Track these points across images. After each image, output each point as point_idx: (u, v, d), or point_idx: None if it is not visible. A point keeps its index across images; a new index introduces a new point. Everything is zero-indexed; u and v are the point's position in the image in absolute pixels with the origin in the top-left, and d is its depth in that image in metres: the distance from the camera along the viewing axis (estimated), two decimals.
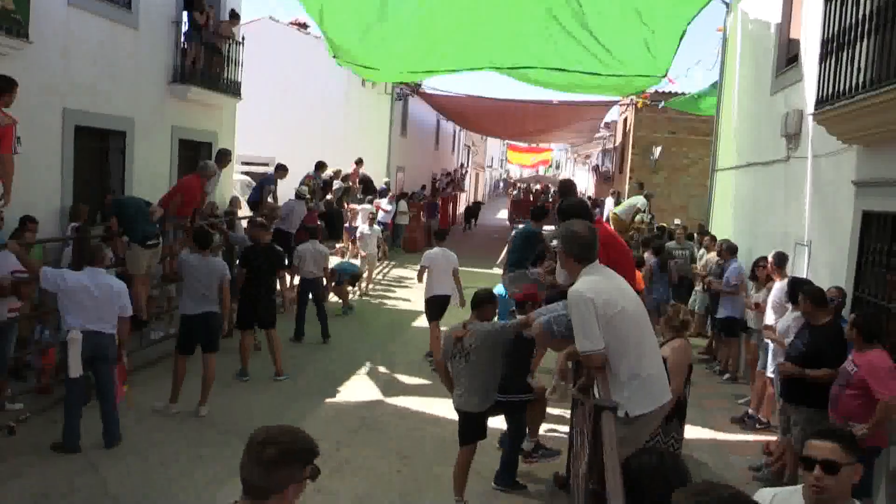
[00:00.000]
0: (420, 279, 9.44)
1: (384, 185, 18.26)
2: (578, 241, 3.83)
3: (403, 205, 19.20)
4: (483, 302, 5.38)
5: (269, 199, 12.06)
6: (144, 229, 7.78)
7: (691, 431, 6.53)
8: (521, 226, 8.25)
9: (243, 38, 12.34)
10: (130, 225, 7.77)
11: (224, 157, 10.94)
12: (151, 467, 5.63)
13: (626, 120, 23.56)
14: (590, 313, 3.62)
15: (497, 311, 5.69)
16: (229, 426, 6.52)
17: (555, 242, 4.20)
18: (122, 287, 6.07)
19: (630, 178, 21.14)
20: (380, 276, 15.68)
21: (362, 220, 14.61)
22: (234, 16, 12.20)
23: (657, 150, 20.33)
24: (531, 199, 32.55)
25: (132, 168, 9.92)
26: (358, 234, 14.21)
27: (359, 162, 16.73)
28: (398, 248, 19.31)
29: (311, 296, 9.98)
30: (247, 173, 17.01)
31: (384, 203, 17.20)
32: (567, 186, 7.75)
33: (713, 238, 11.15)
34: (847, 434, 2.16)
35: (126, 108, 9.78)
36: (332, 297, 12.12)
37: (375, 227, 14.39)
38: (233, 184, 13.86)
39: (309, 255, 9.85)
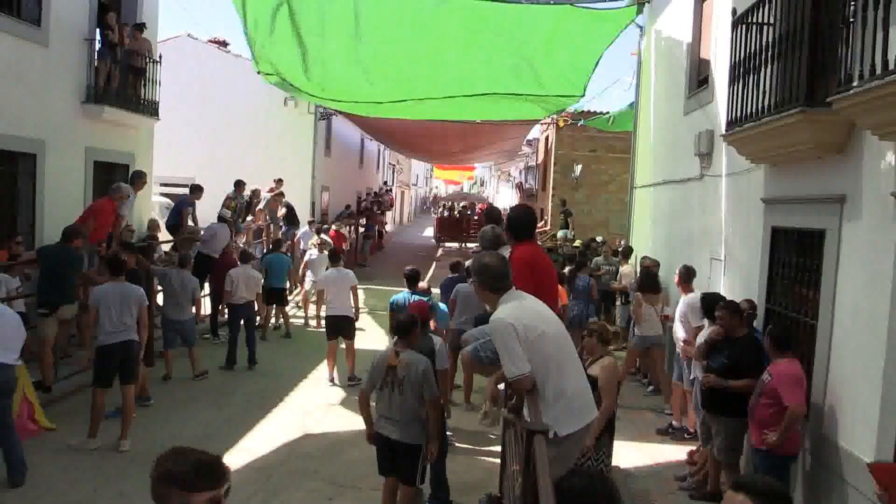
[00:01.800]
0: (319, 302, 9.44)
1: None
2: (490, 272, 3.93)
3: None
4: (407, 328, 5.27)
5: (189, 222, 11.78)
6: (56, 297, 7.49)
7: (620, 444, 6.66)
8: (461, 284, 8.29)
9: (160, 56, 12.04)
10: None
11: (138, 179, 10.65)
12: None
13: (547, 138, 24.10)
14: (512, 339, 3.68)
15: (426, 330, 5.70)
16: (151, 460, 6.28)
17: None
18: (17, 318, 5.81)
19: (553, 194, 21.60)
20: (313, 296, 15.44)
21: (309, 245, 14.28)
22: (139, 27, 11.49)
23: (578, 168, 20.87)
24: (457, 216, 32.75)
25: (44, 192, 9.51)
26: (307, 259, 13.69)
27: (278, 182, 16.25)
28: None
29: (242, 321, 9.76)
30: (165, 195, 16.51)
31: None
32: (493, 216, 7.81)
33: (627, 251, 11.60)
34: (763, 485, 2.22)
35: (36, 130, 9.38)
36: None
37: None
38: (151, 206, 13.45)
39: (241, 279, 9.64)
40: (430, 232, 36.23)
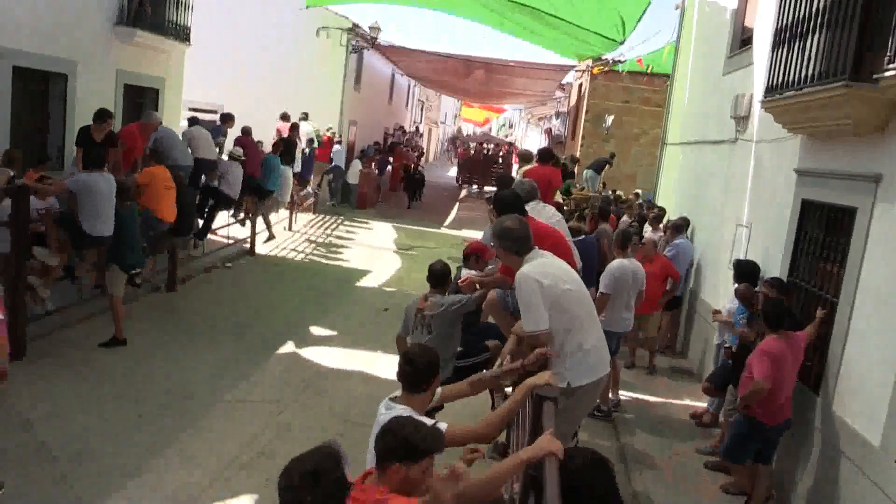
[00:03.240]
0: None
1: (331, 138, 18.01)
2: (513, 235, 4.03)
3: (358, 164, 19.04)
4: (440, 276, 5.52)
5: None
6: (133, 257, 7.45)
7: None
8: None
9: None
10: (118, 248, 7.38)
11: (229, 119, 11.26)
12: (91, 425, 5.56)
13: (580, 86, 23.62)
14: (536, 294, 3.79)
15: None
16: (169, 387, 6.47)
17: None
18: None
19: (581, 144, 21.30)
20: (328, 233, 15.58)
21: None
22: None
23: (609, 119, 20.50)
24: (480, 158, 32.45)
25: (74, 113, 9.55)
26: None
27: (285, 117, 15.80)
28: (350, 205, 19.16)
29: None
30: (193, 119, 16.51)
31: (337, 147, 17.98)
32: (504, 181, 7.76)
33: (662, 210, 11.39)
34: None
35: (68, 50, 9.37)
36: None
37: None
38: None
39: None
40: (453, 171, 36.06)
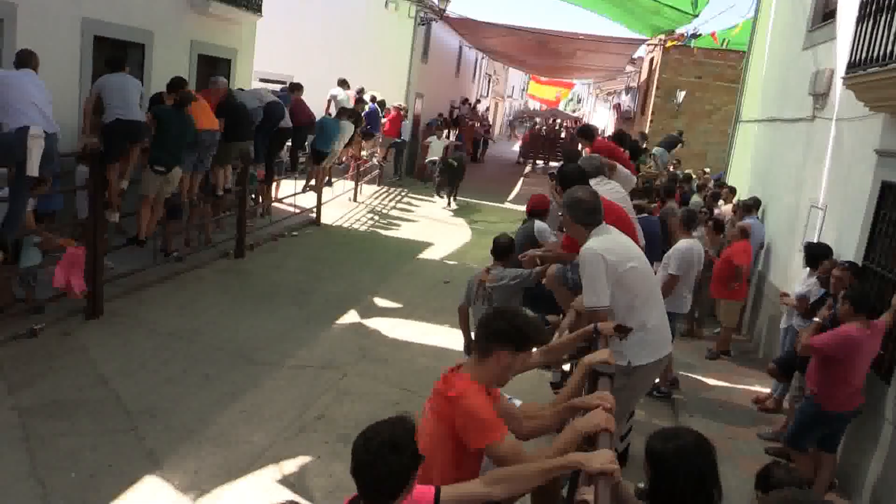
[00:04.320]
0: None
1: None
2: (583, 206, 3.98)
3: (439, 143, 18.83)
4: (504, 249, 5.58)
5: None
6: (165, 157, 7.54)
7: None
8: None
9: None
10: (160, 143, 7.52)
11: (298, 88, 11.51)
12: (161, 382, 5.80)
13: (652, 60, 23.03)
14: (600, 270, 3.76)
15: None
16: (235, 349, 6.69)
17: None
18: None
19: (651, 120, 20.82)
20: (391, 204, 15.71)
21: None
22: None
23: (681, 95, 19.95)
24: (543, 134, 32.04)
25: (150, 83, 9.82)
26: None
27: (360, 92, 16.11)
28: (410, 176, 19.22)
29: None
30: None
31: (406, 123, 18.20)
32: (570, 156, 7.67)
33: (732, 190, 11.08)
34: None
35: (145, 20, 9.62)
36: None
37: None
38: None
39: None
40: (517, 147, 35.76)
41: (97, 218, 7.01)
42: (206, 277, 8.71)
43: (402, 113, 17.96)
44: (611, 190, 6.09)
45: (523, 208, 9.83)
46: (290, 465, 4.84)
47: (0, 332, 6.17)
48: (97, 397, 5.45)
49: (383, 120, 16.76)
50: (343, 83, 15.05)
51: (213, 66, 11.59)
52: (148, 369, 6.04)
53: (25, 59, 6.01)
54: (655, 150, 16.19)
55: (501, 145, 35.71)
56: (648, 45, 21.57)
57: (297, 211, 12.38)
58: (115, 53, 8.49)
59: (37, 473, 4.41)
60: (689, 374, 7.43)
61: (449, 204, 16.28)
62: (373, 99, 15.93)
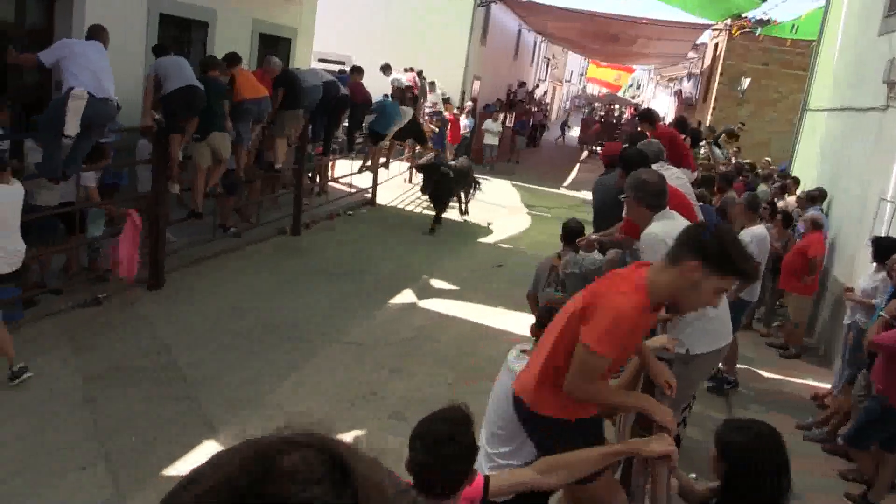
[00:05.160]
0: None
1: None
2: (649, 188, 3.86)
3: (495, 126, 18.72)
4: (574, 234, 5.45)
5: None
6: (207, 123, 7.58)
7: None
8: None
9: None
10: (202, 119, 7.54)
11: (358, 72, 11.37)
12: (219, 352, 5.94)
13: (716, 46, 22.43)
14: (660, 255, 3.64)
15: None
16: (290, 323, 6.80)
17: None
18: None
19: (713, 107, 20.31)
20: None
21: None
22: None
23: (746, 82, 19.39)
24: (601, 120, 31.54)
25: None
26: None
27: (414, 70, 16.07)
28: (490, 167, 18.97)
29: None
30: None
31: (462, 118, 17.62)
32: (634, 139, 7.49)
33: (796, 181, 10.74)
34: None
35: None
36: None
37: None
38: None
39: None
40: (577, 132, 35.35)
41: (159, 191, 7.19)
42: (263, 253, 8.87)
43: (457, 118, 17.71)
44: (672, 176, 5.97)
45: (580, 194, 9.74)
46: (342, 438, 4.90)
47: (67, 299, 6.41)
48: (157, 365, 5.62)
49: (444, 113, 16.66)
50: (386, 68, 14.98)
51: (274, 46, 11.74)
52: (206, 339, 6.19)
53: (95, 33, 6.23)
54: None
55: (558, 130, 35.25)
56: (713, 30, 20.99)
57: (353, 191, 12.49)
58: (163, 41, 8.66)
59: (98, 434, 4.59)
60: (749, 367, 7.26)
61: (461, 212, 12.92)
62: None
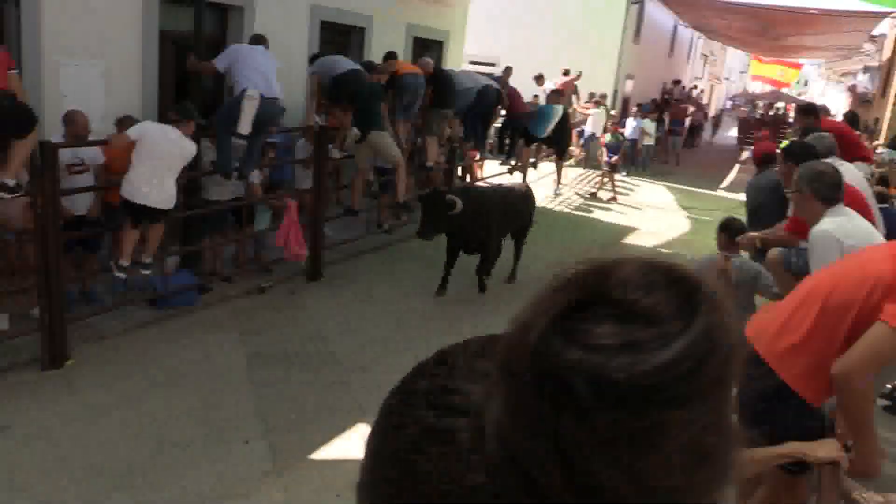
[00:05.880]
0: None
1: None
2: (826, 179, 3.53)
3: (651, 126, 18.22)
4: (737, 232, 5.10)
5: None
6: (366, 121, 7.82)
7: None
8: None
9: None
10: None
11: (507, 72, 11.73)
12: (373, 341, 6.14)
13: None
14: (833, 254, 3.34)
15: None
16: (441, 317, 6.90)
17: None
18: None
19: (894, 103, 18.58)
20: (596, 188, 15.41)
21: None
22: None
23: None
24: (765, 118, 29.74)
25: None
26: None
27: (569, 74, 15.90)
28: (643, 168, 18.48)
29: None
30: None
31: (630, 121, 17.40)
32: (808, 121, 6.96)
33: None
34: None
35: (366, 5, 10.17)
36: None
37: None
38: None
39: None
40: (734, 132, 33.60)
41: (320, 189, 7.55)
42: (414, 250, 9.08)
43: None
44: (846, 171, 5.51)
45: (738, 196, 9.21)
46: None
47: (236, 287, 6.88)
48: (315, 350, 5.90)
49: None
50: (539, 78, 14.88)
51: (427, 49, 12.02)
52: (360, 329, 6.42)
53: (257, 40, 6.79)
54: (881, 150, 14.40)
55: (711, 130, 33.66)
56: (893, 17, 19.19)
57: None
58: (323, 46, 9.20)
59: (261, 412, 4.87)
60: None
61: (510, 278, 8.41)
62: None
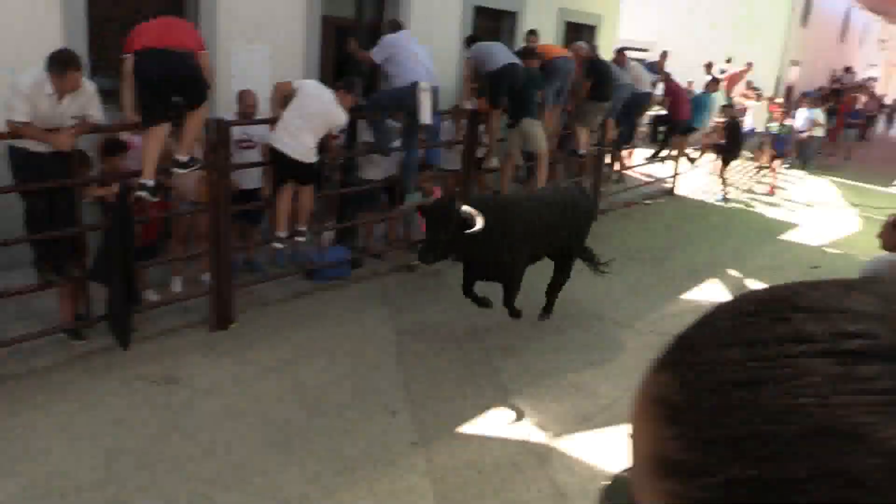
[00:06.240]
0: None
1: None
2: None
3: (822, 117, 16.98)
4: None
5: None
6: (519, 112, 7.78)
7: None
8: None
9: None
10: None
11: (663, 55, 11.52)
12: (514, 325, 6.11)
13: None
14: None
15: None
16: (584, 305, 6.77)
17: None
18: None
19: None
20: (754, 181, 14.59)
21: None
22: None
23: None
24: None
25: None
26: None
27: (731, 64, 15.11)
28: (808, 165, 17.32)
29: None
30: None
31: (801, 111, 16.14)
32: None
33: None
34: None
35: None
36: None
37: None
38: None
39: None
40: None
41: (468, 170, 7.62)
42: None
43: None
44: None
45: None
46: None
47: (386, 263, 7.09)
48: (459, 328, 5.97)
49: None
50: (709, 66, 14.24)
51: (579, 33, 11.81)
52: (504, 312, 6.40)
53: (399, 25, 6.98)
54: None
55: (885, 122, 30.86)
56: None
57: (651, 180, 12.13)
58: (475, 30, 9.22)
59: (408, 385, 4.98)
60: None
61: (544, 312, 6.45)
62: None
